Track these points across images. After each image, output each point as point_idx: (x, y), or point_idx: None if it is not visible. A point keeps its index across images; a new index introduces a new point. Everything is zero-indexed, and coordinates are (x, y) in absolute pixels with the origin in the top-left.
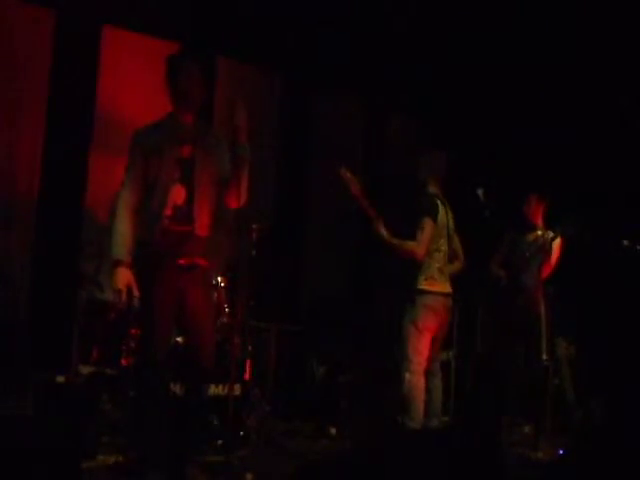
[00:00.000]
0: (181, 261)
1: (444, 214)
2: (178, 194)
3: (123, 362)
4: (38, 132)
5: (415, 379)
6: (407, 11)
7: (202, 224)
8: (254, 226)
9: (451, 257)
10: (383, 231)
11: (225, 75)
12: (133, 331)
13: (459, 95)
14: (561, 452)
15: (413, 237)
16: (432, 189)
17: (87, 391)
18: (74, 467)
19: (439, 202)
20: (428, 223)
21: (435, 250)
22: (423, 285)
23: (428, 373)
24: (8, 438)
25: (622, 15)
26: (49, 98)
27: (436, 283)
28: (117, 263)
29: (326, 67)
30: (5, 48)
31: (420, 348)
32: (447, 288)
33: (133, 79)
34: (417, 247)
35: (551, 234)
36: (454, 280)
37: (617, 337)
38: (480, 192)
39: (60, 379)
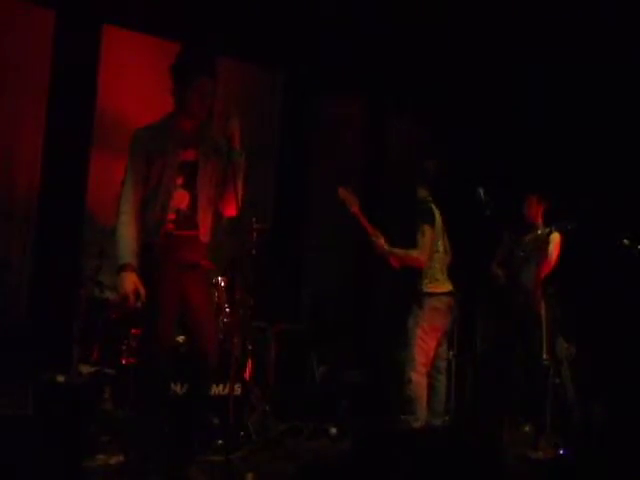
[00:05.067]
0: (183, 260)
1: (438, 216)
2: (181, 199)
3: (123, 362)
4: (38, 132)
5: (420, 379)
6: (408, 12)
7: (205, 230)
8: (254, 226)
9: None
10: (384, 245)
11: (226, 74)
12: (133, 331)
13: (459, 95)
14: (561, 452)
15: (412, 243)
16: (422, 193)
17: (87, 391)
18: (74, 467)
19: (432, 206)
20: (427, 229)
21: (435, 252)
22: (428, 288)
23: (435, 371)
24: (8, 438)
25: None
26: (49, 98)
27: (439, 284)
28: (123, 267)
29: (327, 67)
30: (5, 48)
31: (426, 349)
32: (449, 287)
33: (133, 79)
34: (420, 254)
35: (547, 230)
36: (454, 279)
37: (617, 337)
38: (481, 192)
39: (60, 379)
